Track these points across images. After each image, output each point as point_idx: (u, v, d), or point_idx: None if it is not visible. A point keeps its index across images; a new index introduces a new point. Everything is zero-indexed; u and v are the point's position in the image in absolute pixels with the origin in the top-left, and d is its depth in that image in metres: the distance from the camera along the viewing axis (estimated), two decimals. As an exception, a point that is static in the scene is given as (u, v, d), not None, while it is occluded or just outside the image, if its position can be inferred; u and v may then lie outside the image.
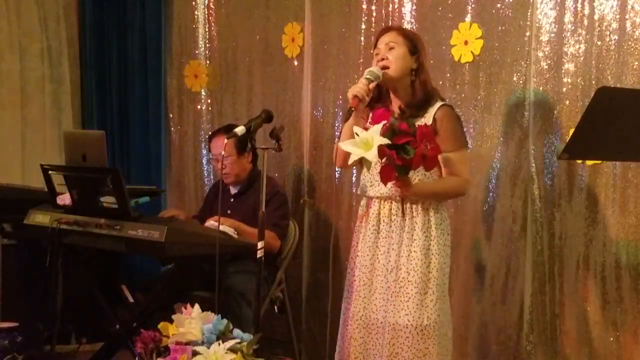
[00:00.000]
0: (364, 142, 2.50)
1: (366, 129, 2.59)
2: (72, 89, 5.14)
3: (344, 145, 2.55)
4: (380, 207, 2.79)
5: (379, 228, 2.79)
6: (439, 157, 2.71)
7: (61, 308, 3.57)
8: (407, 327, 2.68)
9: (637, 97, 2.04)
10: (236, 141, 3.55)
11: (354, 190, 3.91)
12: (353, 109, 2.69)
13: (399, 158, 2.48)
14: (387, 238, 2.76)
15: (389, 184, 2.69)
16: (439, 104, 2.77)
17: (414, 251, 2.71)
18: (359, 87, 2.69)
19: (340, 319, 2.92)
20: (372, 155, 2.47)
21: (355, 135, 2.54)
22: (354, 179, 3.88)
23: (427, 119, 2.73)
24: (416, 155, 2.48)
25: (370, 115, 2.86)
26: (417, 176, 2.70)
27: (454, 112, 2.80)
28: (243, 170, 3.83)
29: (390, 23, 3.77)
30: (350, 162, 2.59)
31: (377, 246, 2.79)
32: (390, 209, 2.76)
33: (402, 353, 2.69)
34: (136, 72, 5.05)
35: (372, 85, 2.73)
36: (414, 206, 2.74)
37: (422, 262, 2.70)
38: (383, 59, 2.76)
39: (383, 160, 2.53)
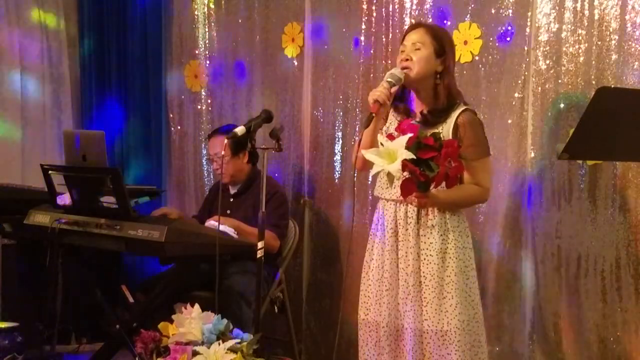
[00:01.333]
0: (388, 153, 2.45)
1: (391, 136, 2.54)
2: (72, 89, 5.13)
3: (368, 154, 2.50)
4: (396, 210, 2.72)
5: (397, 231, 2.72)
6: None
7: (61, 308, 3.57)
8: (427, 333, 2.63)
9: (637, 97, 2.04)
10: (230, 142, 3.53)
11: (354, 189, 3.90)
12: (374, 114, 2.62)
13: (422, 174, 2.44)
14: (404, 241, 2.69)
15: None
16: (461, 108, 2.69)
17: (430, 255, 2.64)
18: (380, 92, 2.61)
19: (360, 326, 2.83)
20: (395, 168, 2.42)
21: (380, 145, 2.50)
22: (354, 179, 3.87)
23: (448, 124, 2.67)
24: (439, 173, 2.43)
25: (394, 119, 2.79)
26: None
27: (476, 118, 2.73)
28: (239, 170, 3.83)
29: (390, 23, 3.78)
30: (372, 172, 2.55)
31: (397, 249, 2.72)
32: (407, 212, 2.69)
33: (430, 358, 2.64)
34: (136, 72, 5.05)
35: (393, 90, 2.66)
36: (429, 209, 2.67)
37: (438, 266, 2.63)
38: (407, 59, 2.68)
39: (405, 174, 2.49)
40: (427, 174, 2.44)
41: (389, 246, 2.72)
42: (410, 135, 2.46)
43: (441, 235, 2.66)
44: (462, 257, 2.67)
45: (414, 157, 2.43)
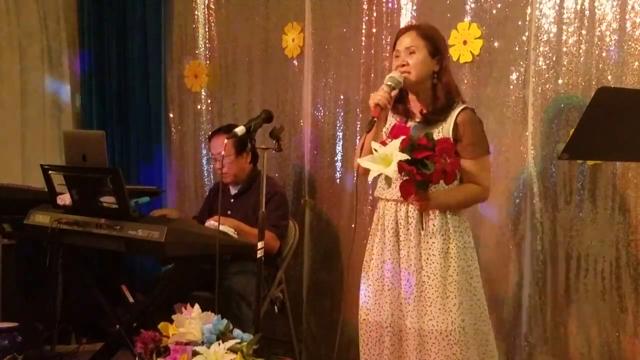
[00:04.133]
0: (382, 157, 2.46)
1: (384, 143, 2.55)
2: (72, 89, 5.14)
3: (363, 162, 2.51)
4: (397, 210, 2.72)
5: (398, 231, 2.72)
6: (460, 162, 2.68)
7: (61, 308, 3.57)
8: (432, 333, 2.62)
9: (637, 97, 2.04)
10: (235, 141, 3.55)
11: (354, 191, 3.91)
12: (375, 119, 2.63)
13: (419, 173, 2.44)
14: (405, 241, 2.70)
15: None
16: (460, 107, 2.70)
17: (433, 254, 2.64)
18: (381, 95, 2.63)
19: (360, 326, 2.82)
20: (391, 171, 2.43)
21: (374, 151, 2.49)
22: (354, 179, 3.88)
23: (448, 123, 2.68)
24: (436, 170, 2.44)
25: (393, 120, 2.81)
26: (434, 186, 2.64)
27: (475, 117, 2.73)
28: (242, 170, 3.83)
29: (390, 23, 3.77)
30: (370, 178, 2.54)
31: (399, 249, 2.72)
32: (407, 212, 2.70)
33: (431, 357, 2.63)
34: (136, 72, 5.05)
35: (394, 93, 2.67)
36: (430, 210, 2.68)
37: (441, 265, 2.63)
38: (404, 65, 2.69)
39: (402, 175, 2.48)
40: (424, 172, 2.45)
41: (390, 246, 2.73)
42: (402, 137, 2.47)
43: (442, 235, 2.66)
44: (463, 257, 2.67)
45: (409, 157, 2.43)
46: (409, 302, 2.67)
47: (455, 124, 2.67)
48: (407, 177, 2.49)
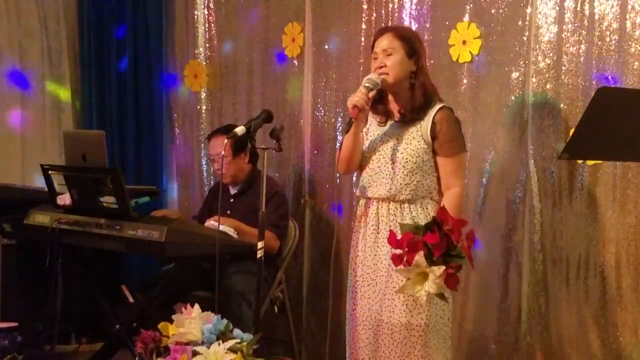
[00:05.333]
0: (418, 275, 2.32)
1: (395, 256, 2.37)
2: (72, 89, 5.14)
3: (406, 291, 2.37)
4: (378, 207, 2.79)
5: (378, 228, 2.78)
6: (437, 160, 2.74)
7: (61, 308, 3.57)
8: (420, 326, 2.68)
9: (637, 97, 2.04)
10: (232, 142, 3.54)
11: (354, 191, 3.91)
12: (354, 119, 2.69)
13: (455, 265, 2.33)
14: (386, 238, 2.74)
15: (388, 187, 2.74)
16: (438, 105, 2.76)
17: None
18: (359, 97, 2.68)
19: (347, 321, 2.91)
20: (433, 286, 2.30)
21: (407, 280, 2.35)
22: (354, 179, 3.88)
23: (426, 122, 2.74)
24: (466, 250, 2.31)
25: (373, 120, 2.85)
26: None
27: (452, 116, 2.80)
28: (240, 170, 3.83)
29: (389, 23, 3.77)
30: (423, 300, 2.39)
31: (378, 246, 2.78)
32: (389, 209, 2.76)
33: (415, 352, 2.68)
34: (137, 72, 5.05)
35: (371, 94, 2.73)
36: (412, 206, 2.75)
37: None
38: (381, 67, 2.75)
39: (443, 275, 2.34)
40: (458, 261, 2.32)
41: (370, 242, 2.79)
42: (421, 252, 2.30)
43: None
44: None
45: (442, 264, 2.30)
46: (393, 297, 2.71)
47: (433, 122, 2.74)
48: (451, 272, 2.33)
